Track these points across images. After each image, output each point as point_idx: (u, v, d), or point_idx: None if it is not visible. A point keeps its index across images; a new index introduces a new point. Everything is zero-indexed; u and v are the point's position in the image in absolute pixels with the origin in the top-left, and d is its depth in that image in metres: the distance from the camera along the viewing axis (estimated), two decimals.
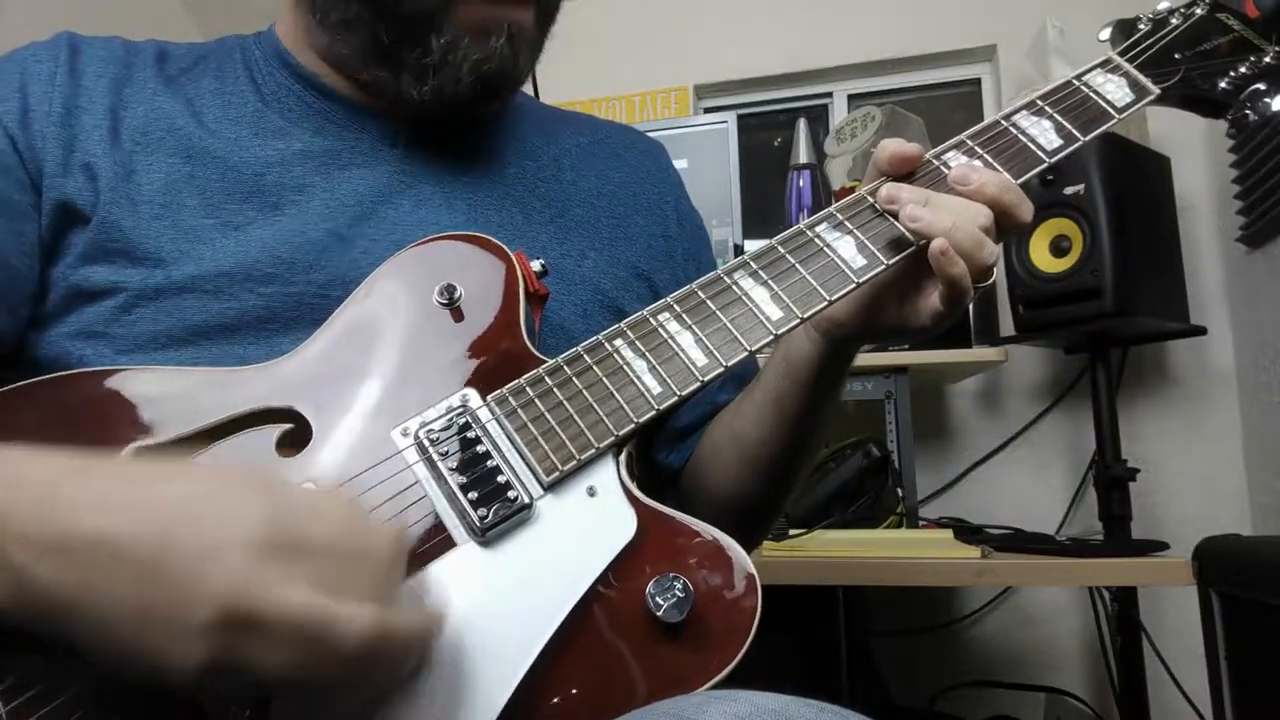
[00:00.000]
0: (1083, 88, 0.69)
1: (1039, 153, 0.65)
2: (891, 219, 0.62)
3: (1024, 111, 0.67)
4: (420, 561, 0.52)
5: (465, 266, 0.62)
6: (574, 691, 0.50)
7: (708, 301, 0.60)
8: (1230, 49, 0.72)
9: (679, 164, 0.93)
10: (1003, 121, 0.67)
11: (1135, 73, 0.69)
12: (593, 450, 0.55)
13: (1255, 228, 1.75)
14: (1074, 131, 0.66)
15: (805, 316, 0.59)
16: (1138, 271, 1.58)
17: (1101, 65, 0.70)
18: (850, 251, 0.61)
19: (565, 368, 0.58)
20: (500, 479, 0.54)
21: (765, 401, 0.72)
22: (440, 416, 0.56)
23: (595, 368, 0.58)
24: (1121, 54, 0.71)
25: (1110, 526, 1.62)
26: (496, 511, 0.53)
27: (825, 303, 0.59)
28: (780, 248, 0.62)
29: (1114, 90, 0.68)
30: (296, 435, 0.55)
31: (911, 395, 1.74)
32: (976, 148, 0.65)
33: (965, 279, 0.58)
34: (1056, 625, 1.96)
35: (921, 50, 2.27)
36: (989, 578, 1.57)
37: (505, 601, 0.51)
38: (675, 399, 0.57)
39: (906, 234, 0.61)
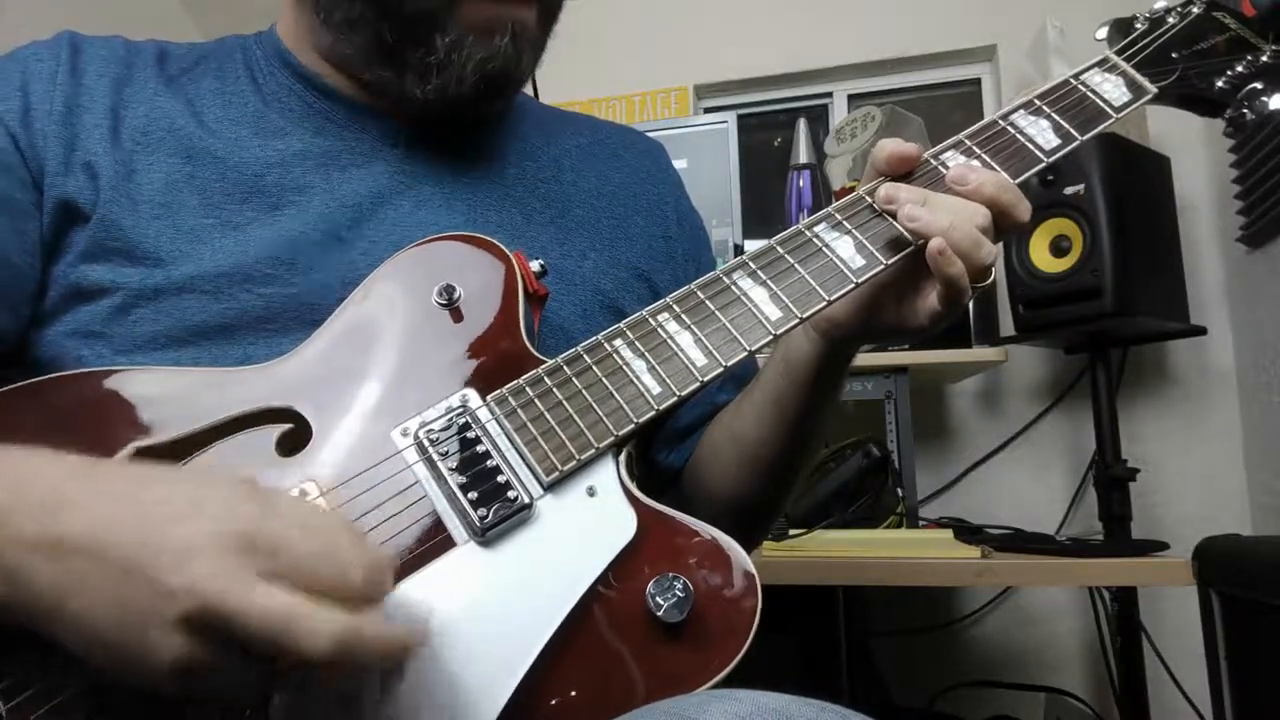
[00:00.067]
0: (1080, 87, 0.69)
1: (1037, 152, 0.65)
2: (890, 219, 0.62)
3: (1022, 111, 0.67)
4: (420, 561, 0.52)
5: (464, 267, 0.63)
6: (574, 691, 0.50)
7: (707, 302, 0.60)
8: (1227, 48, 0.72)
9: (679, 164, 0.93)
10: (1000, 121, 0.67)
11: (1132, 72, 0.69)
12: (592, 450, 0.55)
13: (1255, 228, 1.75)
14: (1072, 131, 0.66)
15: (804, 316, 0.59)
16: (1138, 271, 1.58)
17: (1099, 64, 0.70)
18: (849, 251, 0.61)
19: (565, 368, 0.58)
20: (500, 479, 0.54)
21: (764, 402, 0.72)
22: (440, 417, 0.56)
23: (595, 368, 0.58)
24: (1119, 53, 0.71)
25: (1110, 526, 1.62)
26: (496, 511, 0.53)
27: (824, 303, 0.60)
28: (779, 248, 0.62)
29: (1111, 89, 0.68)
30: (296, 435, 0.55)
31: (911, 395, 1.74)
32: (974, 147, 0.65)
33: (963, 278, 0.58)
34: (1056, 625, 1.96)
35: (921, 50, 2.27)
36: (989, 578, 1.57)
37: (505, 602, 0.51)
38: (675, 399, 0.57)
39: (905, 234, 0.61)
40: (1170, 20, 0.72)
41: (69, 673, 0.46)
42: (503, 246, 0.64)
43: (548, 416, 0.56)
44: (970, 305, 1.81)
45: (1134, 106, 0.68)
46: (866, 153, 1.90)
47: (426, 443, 0.55)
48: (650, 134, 0.92)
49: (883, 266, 0.61)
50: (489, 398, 0.57)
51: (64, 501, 0.44)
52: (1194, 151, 1.97)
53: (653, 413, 0.57)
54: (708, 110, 2.42)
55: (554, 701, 0.50)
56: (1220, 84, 0.71)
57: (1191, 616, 1.28)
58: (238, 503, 0.44)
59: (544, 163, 0.79)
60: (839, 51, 2.31)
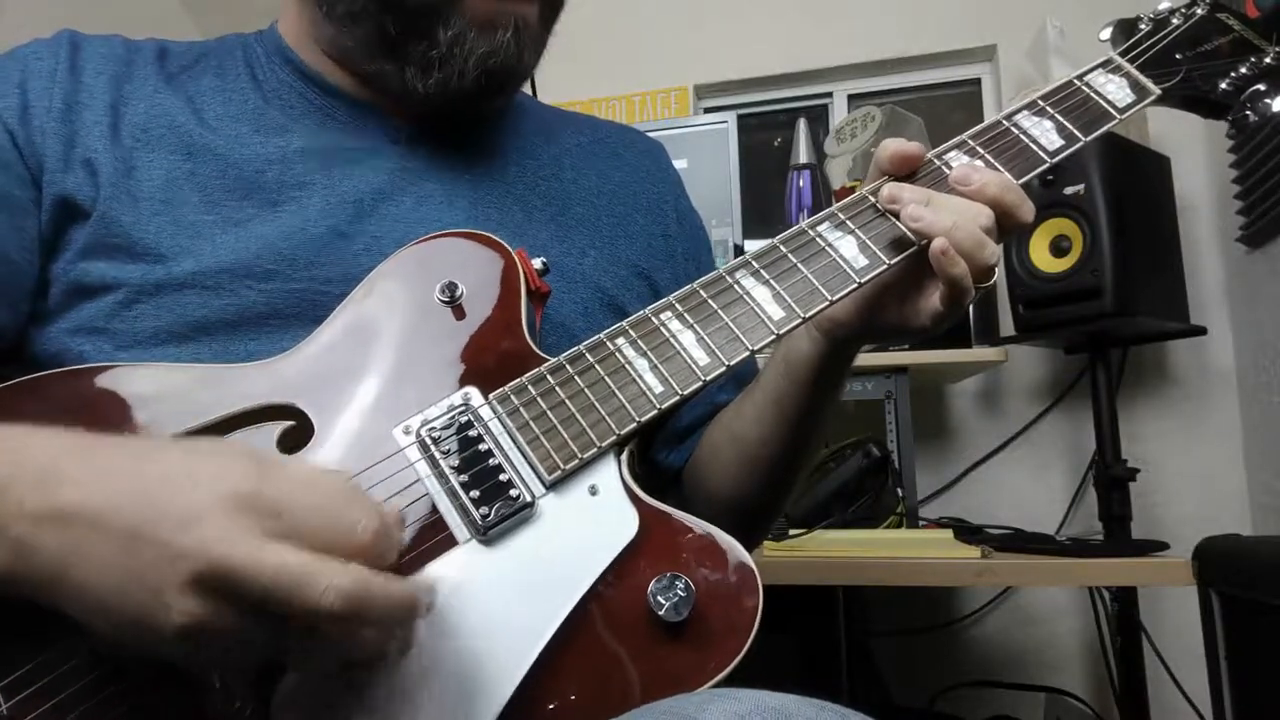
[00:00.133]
0: (1084, 88, 0.68)
1: (1040, 153, 0.65)
2: (893, 219, 0.62)
3: (1025, 111, 0.67)
4: (421, 560, 0.52)
5: (466, 264, 0.62)
6: (574, 691, 0.50)
7: (709, 301, 0.60)
8: (1231, 49, 0.72)
9: (679, 164, 0.93)
10: (1004, 121, 0.67)
11: (1136, 73, 0.69)
12: (595, 449, 0.55)
13: (1255, 228, 1.75)
14: (1075, 132, 0.66)
15: (807, 316, 0.59)
16: (1138, 271, 1.58)
17: (1103, 65, 0.70)
18: (852, 251, 0.61)
19: (567, 366, 0.58)
20: (502, 477, 0.54)
21: (765, 402, 0.72)
22: (442, 414, 0.56)
23: (597, 366, 0.58)
24: (1122, 54, 0.71)
25: (1110, 526, 1.62)
26: (498, 510, 0.52)
27: (827, 302, 0.59)
28: (782, 247, 0.62)
29: (1115, 90, 0.68)
30: (298, 433, 0.55)
31: (911, 395, 1.74)
32: (978, 148, 0.65)
33: (966, 279, 0.58)
34: (1056, 625, 1.96)
35: (921, 50, 2.27)
36: (989, 578, 1.57)
37: (506, 600, 0.51)
38: (677, 398, 0.57)
39: (908, 234, 0.61)
40: (1174, 21, 0.72)
41: (69, 665, 0.46)
42: (505, 244, 0.64)
43: (550, 415, 0.56)
44: (970, 305, 1.81)
45: (1138, 108, 0.68)
46: (866, 153, 1.90)
47: (428, 441, 0.55)
48: (650, 134, 0.92)
49: (885, 266, 0.61)
50: (491, 396, 0.57)
51: (64, 475, 0.44)
52: (1194, 151, 1.98)
53: (655, 411, 0.57)
54: (708, 110, 2.42)
55: (554, 701, 0.50)
56: (1224, 85, 0.70)
57: (1191, 616, 1.28)
58: (240, 466, 0.44)
59: (544, 161, 0.79)
60: (839, 51, 2.31)
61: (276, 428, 0.55)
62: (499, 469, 0.54)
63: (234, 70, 0.74)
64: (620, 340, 0.59)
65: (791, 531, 1.46)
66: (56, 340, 0.63)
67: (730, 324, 0.59)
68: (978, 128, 0.66)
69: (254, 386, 0.57)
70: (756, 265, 0.61)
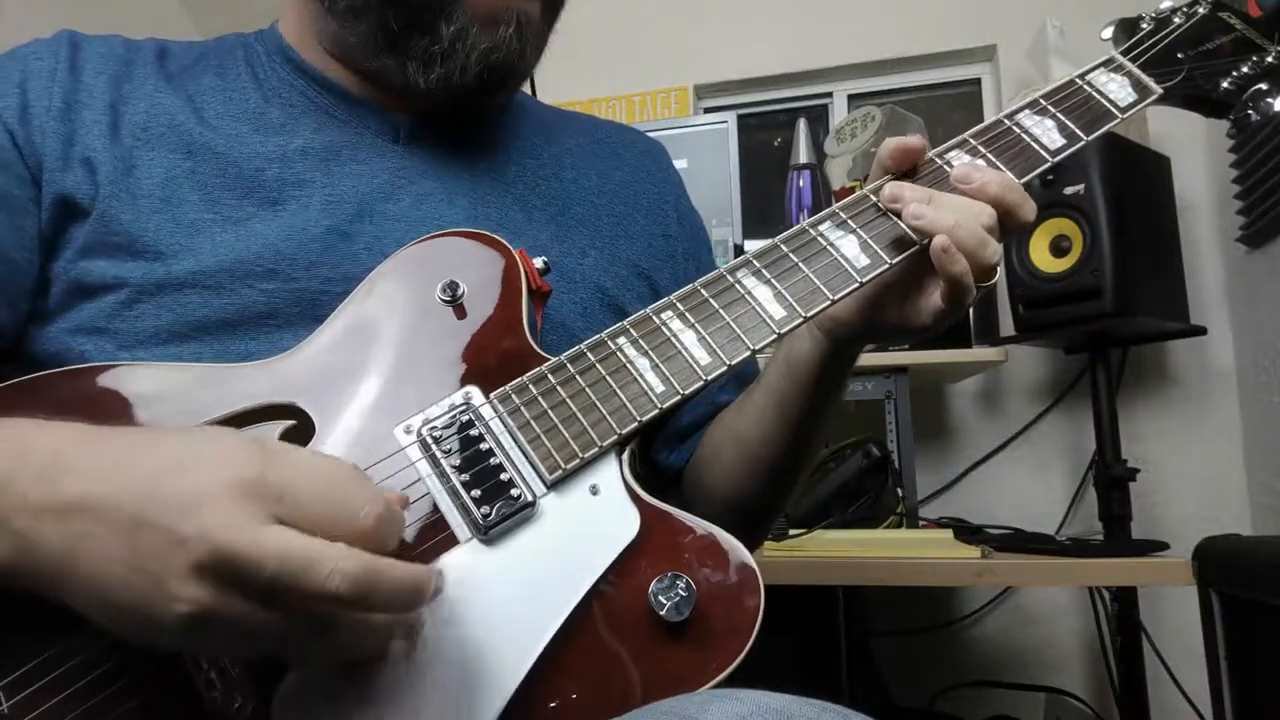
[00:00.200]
0: (1085, 87, 0.68)
1: (1042, 152, 0.65)
2: (894, 218, 0.62)
3: (1027, 111, 0.67)
4: (422, 559, 0.51)
5: (467, 263, 0.62)
6: (575, 691, 0.50)
7: (711, 300, 0.60)
8: (1233, 48, 0.71)
9: (679, 164, 0.93)
10: (1006, 121, 0.67)
11: (1138, 72, 0.69)
12: (596, 448, 0.55)
13: (1255, 228, 1.76)
14: (1077, 131, 0.66)
15: (808, 315, 0.59)
16: (1138, 271, 1.58)
17: (1104, 64, 0.70)
18: (853, 251, 0.61)
19: (568, 365, 0.58)
20: (503, 476, 0.54)
21: (767, 402, 0.72)
22: (443, 414, 0.56)
23: (598, 365, 0.58)
24: (1124, 53, 0.71)
25: (1110, 526, 1.62)
26: (499, 509, 0.52)
27: (828, 302, 0.59)
28: (783, 246, 0.62)
29: (1117, 90, 0.68)
30: (299, 432, 0.55)
31: (911, 395, 1.74)
32: (979, 147, 0.65)
33: (967, 277, 0.58)
34: (1056, 625, 1.96)
35: (921, 50, 2.27)
36: (989, 578, 1.57)
37: (507, 599, 0.51)
38: (678, 397, 0.57)
39: (909, 233, 0.61)
40: (1176, 20, 0.72)
41: (71, 658, 0.46)
42: (506, 243, 0.64)
43: (551, 414, 0.56)
44: (971, 305, 1.80)
45: (1140, 107, 0.68)
46: (867, 153, 1.90)
47: (429, 440, 0.55)
48: (650, 134, 0.92)
49: (887, 266, 0.61)
50: (492, 395, 0.57)
51: (66, 467, 0.44)
52: (1194, 151, 1.98)
53: (656, 411, 0.56)
54: (708, 110, 2.42)
55: (555, 700, 0.50)
56: (1226, 85, 0.70)
57: (1191, 616, 1.28)
58: (241, 451, 0.44)
59: (545, 161, 0.79)
60: (839, 51, 2.31)
61: (277, 427, 0.55)
62: (500, 468, 0.54)
63: (234, 69, 0.74)
64: (621, 339, 0.59)
65: (791, 531, 1.46)
66: (57, 340, 0.63)
67: (731, 323, 0.59)
68: (979, 127, 0.66)
69: (255, 386, 0.57)
70: (758, 264, 0.61)
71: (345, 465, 0.47)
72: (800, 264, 0.61)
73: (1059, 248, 1.61)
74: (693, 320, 0.59)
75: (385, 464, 0.54)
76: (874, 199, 0.63)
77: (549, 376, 0.58)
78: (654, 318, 0.60)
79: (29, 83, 0.66)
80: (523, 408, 0.57)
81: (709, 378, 0.57)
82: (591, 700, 0.50)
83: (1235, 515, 1.88)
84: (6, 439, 0.46)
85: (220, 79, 0.72)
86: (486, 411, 0.57)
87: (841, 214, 0.63)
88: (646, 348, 0.59)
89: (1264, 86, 0.69)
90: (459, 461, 0.54)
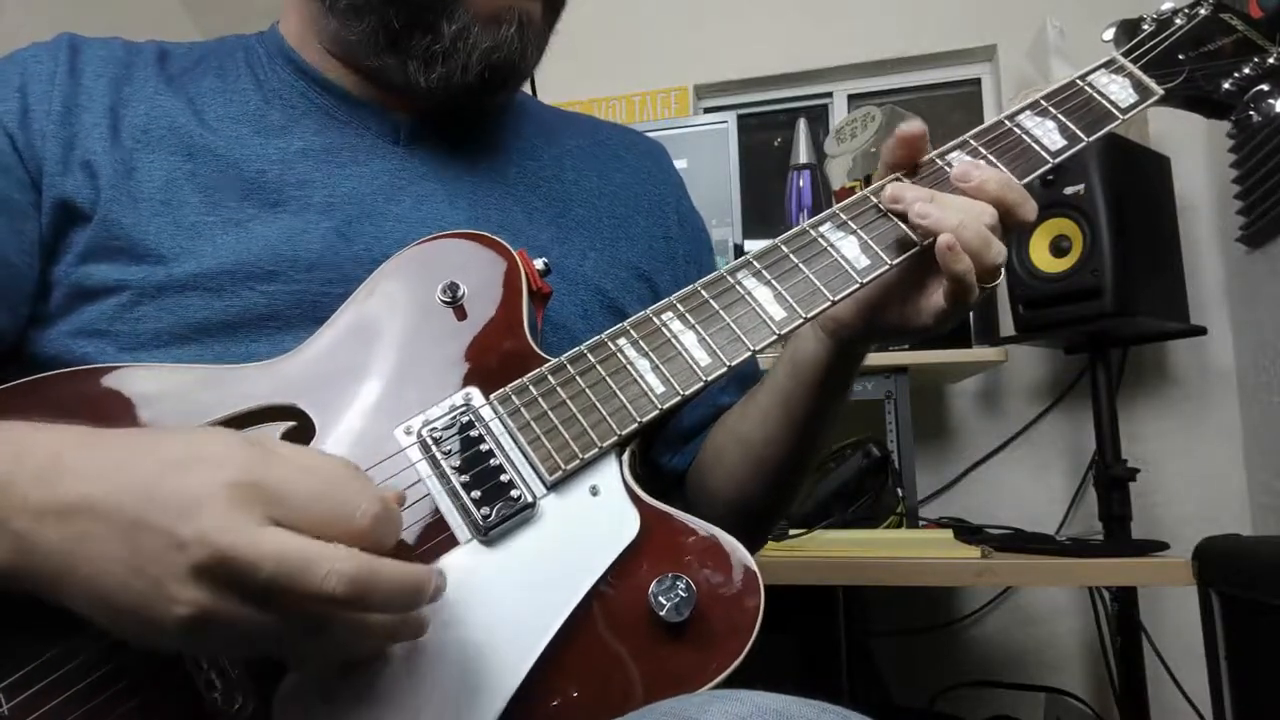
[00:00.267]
0: (1086, 88, 0.68)
1: (1043, 153, 0.65)
2: (895, 219, 0.62)
3: (1028, 112, 0.67)
4: (422, 560, 0.52)
5: (468, 265, 0.62)
6: (575, 691, 0.50)
7: (711, 301, 0.60)
8: (1234, 50, 0.71)
9: (679, 164, 0.93)
10: (1006, 122, 0.67)
11: (1139, 73, 0.69)
12: (596, 449, 0.55)
13: (1255, 228, 1.76)
14: (1078, 132, 0.66)
15: (808, 316, 0.59)
16: (1138, 271, 1.58)
17: (1105, 65, 0.70)
18: (854, 252, 0.61)
19: (568, 366, 0.58)
20: (503, 478, 0.54)
21: (772, 402, 0.72)
22: (443, 415, 0.56)
23: (598, 366, 0.58)
24: (1125, 54, 0.71)
25: (1110, 526, 1.62)
26: (499, 510, 0.52)
27: (829, 303, 0.59)
28: (784, 247, 0.62)
29: (1118, 91, 0.68)
30: (300, 433, 0.55)
31: (911, 395, 1.74)
32: (980, 148, 0.65)
33: (970, 275, 0.58)
34: (1056, 625, 1.96)
35: (921, 50, 2.27)
36: (989, 578, 1.56)
37: (507, 600, 0.51)
38: (678, 398, 0.57)
39: (910, 235, 0.61)
40: (1177, 21, 0.72)
41: (71, 659, 0.47)
42: (507, 244, 0.64)
43: (551, 415, 0.56)
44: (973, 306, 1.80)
45: (1141, 108, 0.68)
46: (867, 153, 1.90)
47: (430, 441, 0.55)
48: (650, 134, 0.92)
49: (888, 267, 0.61)
50: (492, 396, 0.57)
51: (65, 469, 0.44)
52: (1194, 151, 1.98)
53: (656, 412, 0.57)
54: (708, 110, 2.42)
55: (555, 701, 0.50)
56: (1227, 86, 0.70)
57: (1191, 616, 1.28)
58: (239, 452, 0.44)
59: (545, 162, 0.79)
60: (839, 51, 2.31)
61: (278, 428, 0.55)
62: (500, 469, 0.54)
63: (235, 71, 0.74)
64: (622, 340, 0.59)
65: (791, 531, 1.46)
66: (57, 342, 0.63)
67: (732, 324, 0.59)
68: (980, 128, 0.66)
69: (256, 387, 0.57)
70: (758, 265, 0.61)
71: (343, 464, 0.47)
72: (800, 265, 0.61)
73: (1059, 248, 1.61)
74: (693, 321, 0.59)
75: (386, 465, 0.54)
76: (874, 200, 0.63)
77: (549, 377, 0.58)
78: (654, 319, 0.60)
79: (29, 86, 0.66)
80: (523, 409, 0.57)
81: (709, 379, 0.57)
82: (591, 700, 0.50)
83: (1235, 515, 1.88)
84: (3, 441, 0.46)
85: (221, 81, 0.72)
86: (487, 412, 0.57)
87: (842, 215, 0.63)
88: (647, 349, 0.59)
89: (1265, 87, 0.69)
90: (459, 462, 0.54)
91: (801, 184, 1.95)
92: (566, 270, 0.72)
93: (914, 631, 1.98)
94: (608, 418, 0.56)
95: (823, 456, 1.63)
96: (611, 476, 0.56)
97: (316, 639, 0.44)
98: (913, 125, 0.63)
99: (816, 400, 0.69)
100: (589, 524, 0.54)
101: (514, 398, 0.57)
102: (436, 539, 0.53)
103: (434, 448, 0.54)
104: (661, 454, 0.81)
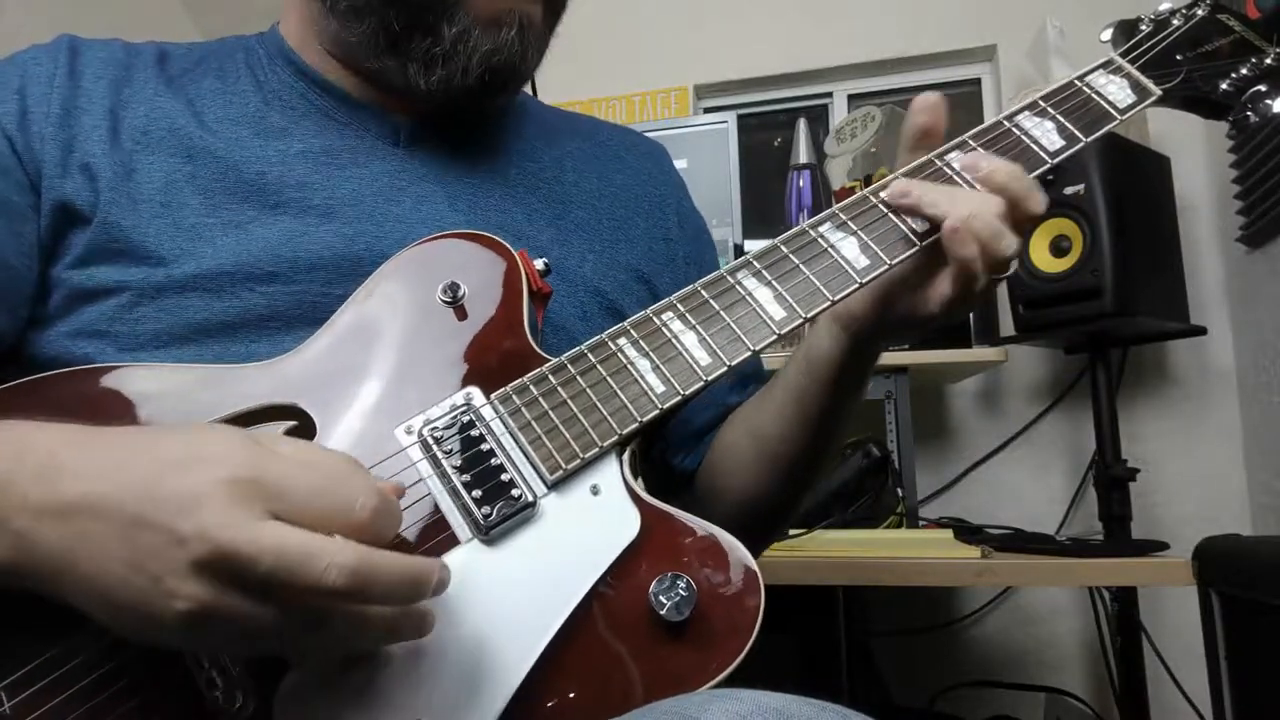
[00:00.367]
0: (1085, 89, 0.68)
1: (1041, 153, 0.65)
2: (895, 217, 0.62)
3: (1026, 112, 0.67)
4: None
5: (468, 265, 0.63)
6: (576, 690, 0.50)
7: (711, 301, 0.60)
8: (1231, 50, 0.72)
9: (679, 164, 0.93)
10: (1005, 122, 0.67)
11: (1137, 74, 0.69)
12: (596, 449, 0.55)
13: (1255, 228, 1.76)
14: (1076, 132, 0.66)
15: (808, 316, 0.59)
16: (1138, 271, 1.58)
17: (1103, 66, 0.70)
18: (853, 252, 0.61)
19: (569, 366, 0.58)
20: (504, 477, 0.54)
21: (786, 400, 0.72)
22: (444, 414, 0.56)
23: (599, 366, 0.58)
24: (1123, 55, 0.71)
25: (1110, 526, 1.62)
26: (500, 510, 0.53)
27: (828, 303, 0.60)
28: (783, 247, 0.62)
29: (1116, 91, 0.68)
30: (300, 433, 0.55)
31: (911, 395, 1.74)
32: (979, 148, 0.65)
33: (976, 263, 0.58)
34: (1056, 625, 1.97)
35: (921, 50, 2.27)
36: (989, 578, 1.56)
37: (508, 599, 0.51)
38: (679, 398, 0.57)
39: (910, 234, 0.61)
40: (1175, 22, 0.72)
41: (72, 658, 0.47)
42: (507, 245, 0.64)
43: (551, 415, 0.56)
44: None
45: (1139, 108, 0.68)
46: (867, 153, 1.90)
47: (430, 440, 0.55)
48: (650, 134, 0.92)
49: (887, 266, 0.61)
50: (493, 396, 0.57)
51: (64, 468, 0.44)
52: (1194, 151, 1.98)
53: (656, 411, 0.57)
54: (708, 110, 2.42)
55: (555, 700, 0.50)
56: (1224, 86, 0.70)
57: (1191, 616, 1.28)
58: (238, 448, 0.44)
59: (546, 163, 0.79)
60: (839, 51, 2.31)
61: (279, 428, 0.55)
62: (501, 469, 0.54)
63: (234, 72, 0.74)
64: (622, 340, 0.59)
65: (791, 531, 1.46)
66: (57, 343, 0.63)
67: (732, 324, 0.59)
68: (978, 128, 0.66)
69: (256, 387, 0.57)
70: (758, 265, 0.61)
71: (343, 459, 0.47)
72: (800, 265, 0.61)
73: (1059, 248, 1.61)
74: (693, 321, 0.60)
75: (386, 464, 0.54)
76: (874, 200, 0.63)
77: (550, 377, 0.58)
78: (654, 319, 0.60)
79: (28, 89, 0.67)
80: (523, 408, 0.57)
81: (709, 378, 0.58)
82: (592, 700, 0.50)
83: (1235, 515, 1.88)
84: (3, 440, 0.46)
85: (220, 82, 0.73)
86: (487, 412, 0.57)
87: (841, 215, 0.63)
88: (647, 348, 0.59)
89: (1263, 88, 0.69)
90: (460, 462, 0.54)
91: (801, 184, 1.95)
92: (566, 272, 0.72)
93: (914, 631, 1.98)
94: (608, 417, 0.56)
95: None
96: (612, 476, 0.56)
97: (317, 633, 0.44)
98: (930, 95, 0.63)
99: (831, 398, 0.69)
100: (589, 523, 0.54)
101: (515, 397, 0.57)
102: (437, 538, 0.53)
103: (435, 447, 0.55)
104: (674, 455, 0.81)
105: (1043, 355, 2.03)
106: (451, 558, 0.52)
